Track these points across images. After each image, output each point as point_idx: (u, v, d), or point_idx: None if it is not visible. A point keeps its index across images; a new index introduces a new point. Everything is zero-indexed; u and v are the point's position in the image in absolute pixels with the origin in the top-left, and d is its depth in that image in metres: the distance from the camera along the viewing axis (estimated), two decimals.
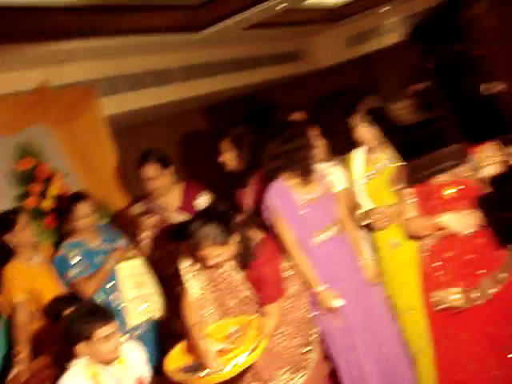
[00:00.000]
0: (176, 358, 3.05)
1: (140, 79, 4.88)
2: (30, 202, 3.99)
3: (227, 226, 2.90)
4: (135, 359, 2.99)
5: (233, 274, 3.07)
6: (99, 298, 3.67)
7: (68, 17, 3.73)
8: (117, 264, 3.74)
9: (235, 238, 2.95)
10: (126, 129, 5.38)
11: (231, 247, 2.94)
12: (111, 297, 3.73)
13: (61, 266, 3.70)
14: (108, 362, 2.82)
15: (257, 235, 3.11)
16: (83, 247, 3.74)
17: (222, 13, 4.55)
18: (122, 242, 3.93)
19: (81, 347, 2.76)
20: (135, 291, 3.78)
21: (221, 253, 2.91)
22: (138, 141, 5.37)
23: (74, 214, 3.70)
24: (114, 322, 2.81)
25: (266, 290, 3.04)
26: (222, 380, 2.81)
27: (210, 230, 2.85)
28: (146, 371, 3.02)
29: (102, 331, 2.73)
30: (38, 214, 4.00)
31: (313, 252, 3.32)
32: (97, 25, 3.90)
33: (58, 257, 3.73)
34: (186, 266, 3.11)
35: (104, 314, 2.81)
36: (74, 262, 3.67)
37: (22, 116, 3.99)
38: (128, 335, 3.62)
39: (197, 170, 5.89)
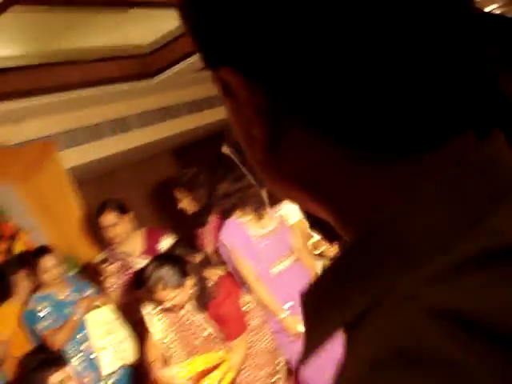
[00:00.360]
0: None
1: (99, 129, 4.97)
2: None
3: (181, 268, 2.98)
4: None
5: (193, 315, 3.14)
6: (70, 349, 3.71)
7: (19, 76, 3.83)
8: (86, 313, 3.80)
9: (191, 280, 3.02)
10: (90, 179, 5.45)
11: (187, 289, 3.01)
12: (82, 346, 3.78)
13: (30, 320, 3.74)
14: None
15: (214, 274, 3.19)
16: (52, 299, 3.79)
17: (173, 58, 4.67)
18: (90, 291, 3.98)
19: None
20: (106, 339, 3.82)
21: (176, 295, 2.98)
22: (104, 190, 5.44)
23: (40, 268, 3.77)
24: (67, 367, 2.86)
25: (229, 327, 3.10)
26: None
27: (164, 274, 2.93)
28: None
29: (55, 378, 2.78)
30: None
31: (271, 282, 3.41)
32: (48, 81, 4.00)
33: (26, 311, 3.77)
34: (147, 311, 3.18)
35: (55, 360, 2.86)
36: (42, 314, 3.71)
37: None
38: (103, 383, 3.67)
39: (167, 212, 5.95)
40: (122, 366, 3.87)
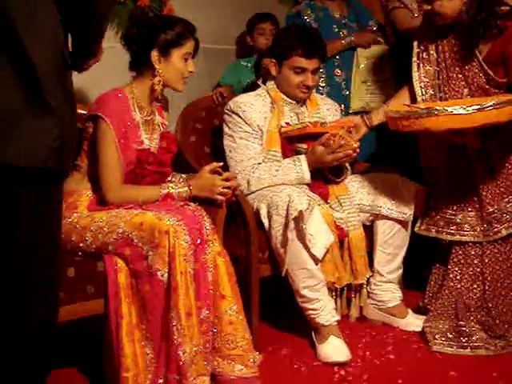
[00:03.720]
0: None
1: None
2: None
3: None
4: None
5: None
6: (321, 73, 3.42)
7: None
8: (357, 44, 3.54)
9: None
10: None
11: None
12: (335, 71, 3.56)
13: (292, 23, 3.58)
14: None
15: None
16: (324, 12, 3.60)
17: None
18: (371, 23, 3.70)
19: None
20: (365, 76, 3.55)
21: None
22: None
23: None
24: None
25: None
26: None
27: None
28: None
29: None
30: None
31: None
32: None
33: (292, 12, 3.71)
34: None
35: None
36: (308, 20, 3.56)
37: None
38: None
39: None
40: None
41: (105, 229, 2.29)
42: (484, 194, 2.71)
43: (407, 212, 2.83)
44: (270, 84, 3.01)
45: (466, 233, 2.75)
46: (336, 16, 3.64)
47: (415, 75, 2.84)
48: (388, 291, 2.92)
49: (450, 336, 2.68)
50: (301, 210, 2.50)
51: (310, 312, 2.65)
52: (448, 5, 2.62)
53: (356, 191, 2.89)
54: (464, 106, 2.34)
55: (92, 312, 2.29)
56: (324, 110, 3.08)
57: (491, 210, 2.71)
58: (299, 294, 2.64)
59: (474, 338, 2.64)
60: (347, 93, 3.54)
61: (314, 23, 3.55)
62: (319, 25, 3.55)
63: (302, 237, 2.54)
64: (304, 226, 2.51)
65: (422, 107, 2.59)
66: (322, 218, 2.64)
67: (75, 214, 2.38)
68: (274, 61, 2.97)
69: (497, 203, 2.71)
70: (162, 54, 2.45)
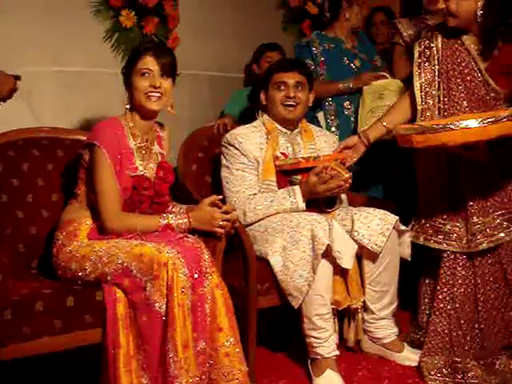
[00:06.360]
0: None
1: None
2: None
3: None
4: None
5: None
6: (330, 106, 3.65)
7: None
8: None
9: None
10: None
11: None
12: (344, 104, 3.65)
13: (300, 52, 3.70)
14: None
15: None
16: (335, 43, 3.69)
17: None
18: (375, 58, 3.82)
19: None
20: (371, 106, 3.52)
21: None
22: None
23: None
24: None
25: None
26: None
27: None
28: None
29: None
30: None
31: None
32: None
33: (302, 42, 3.82)
34: None
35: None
36: (315, 50, 3.63)
37: None
38: None
39: None
40: None
41: (104, 259, 2.31)
42: (471, 204, 2.74)
43: (380, 244, 2.79)
44: (266, 116, 3.07)
45: (452, 243, 2.78)
46: (348, 47, 3.70)
47: (417, 84, 2.85)
48: (382, 328, 2.91)
49: (446, 372, 2.68)
50: (328, 244, 2.57)
51: (314, 340, 2.67)
52: (464, 4, 2.65)
53: (341, 219, 2.90)
54: (479, 120, 2.36)
55: (89, 341, 2.29)
56: (321, 142, 3.12)
57: (476, 220, 2.73)
58: (310, 320, 2.65)
59: (469, 375, 2.64)
60: None
61: (320, 55, 3.61)
62: (328, 57, 3.62)
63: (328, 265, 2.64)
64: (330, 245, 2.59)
65: (421, 124, 2.62)
66: (342, 230, 2.71)
67: (75, 243, 2.40)
68: (263, 91, 3.09)
69: (483, 215, 2.73)
70: (128, 79, 2.53)
